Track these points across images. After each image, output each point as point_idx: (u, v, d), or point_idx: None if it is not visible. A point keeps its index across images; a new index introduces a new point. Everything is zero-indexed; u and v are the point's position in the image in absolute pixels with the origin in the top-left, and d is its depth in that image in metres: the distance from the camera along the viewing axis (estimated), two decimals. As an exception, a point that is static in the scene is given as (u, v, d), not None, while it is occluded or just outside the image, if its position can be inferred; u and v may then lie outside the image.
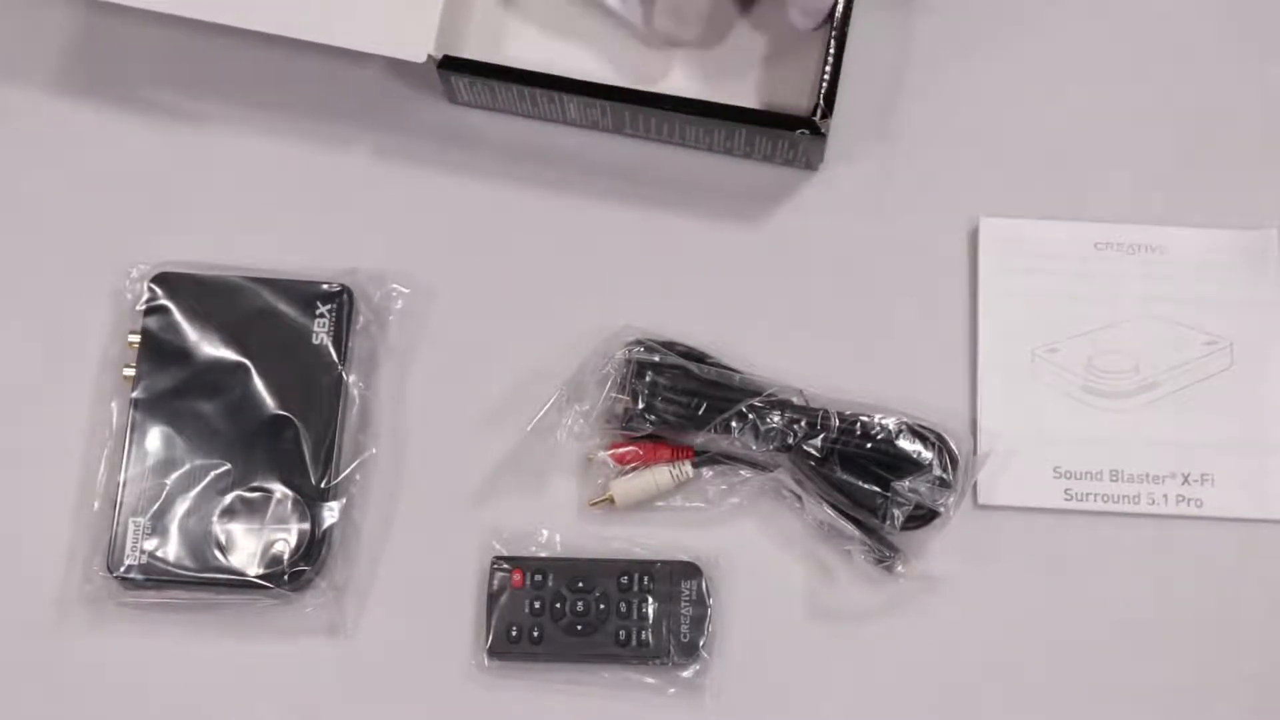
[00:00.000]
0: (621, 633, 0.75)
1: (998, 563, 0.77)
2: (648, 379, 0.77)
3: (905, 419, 0.76)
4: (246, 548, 0.75)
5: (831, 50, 0.77)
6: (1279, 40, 0.86)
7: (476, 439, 0.79)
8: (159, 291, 0.79)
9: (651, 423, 0.76)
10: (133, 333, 0.78)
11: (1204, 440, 0.79)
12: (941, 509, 0.75)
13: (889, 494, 0.74)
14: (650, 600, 0.75)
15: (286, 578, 0.75)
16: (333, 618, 0.76)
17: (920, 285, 0.82)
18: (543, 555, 0.77)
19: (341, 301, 0.79)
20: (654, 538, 0.77)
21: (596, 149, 0.84)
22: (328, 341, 0.78)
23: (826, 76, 0.77)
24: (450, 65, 0.79)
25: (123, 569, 0.75)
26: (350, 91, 0.84)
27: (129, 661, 0.76)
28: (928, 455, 0.75)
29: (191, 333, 0.78)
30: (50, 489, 0.78)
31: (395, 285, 0.81)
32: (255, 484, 0.76)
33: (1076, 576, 0.77)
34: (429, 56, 0.77)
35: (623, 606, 0.75)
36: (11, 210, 0.83)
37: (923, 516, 0.75)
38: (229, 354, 0.77)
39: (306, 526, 0.76)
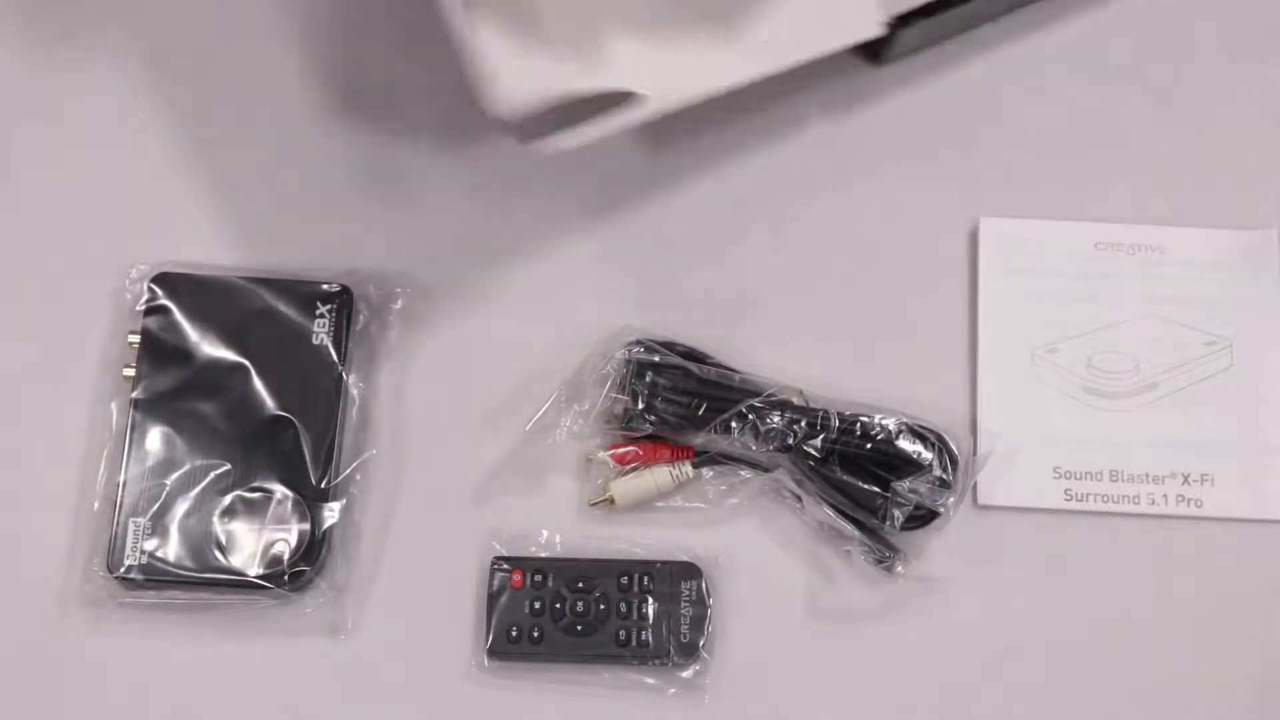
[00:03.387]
0: (621, 633, 0.75)
1: (998, 563, 0.77)
2: (648, 379, 0.77)
3: (905, 419, 0.76)
4: (246, 548, 0.75)
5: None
6: (1279, 40, 0.86)
7: (476, 439, 0.79)
8: (159, 291, 0.79)
9: (651, 423, 0.76)
10: (133, 333, 0.78)
11: (1204, 440, 0.79)
12: (941, 509, 0.75)
13: (889, 494, 0.74)
14: (650, 600, 0.75)
15: (286, 578, 0.75)
16: (333, 618, 0.76)
17: (920, 285, 0.82)
18: (543, 555, 0.77)
19: (341, 301, 0.79)
20: (654, 538, 0.77)
21: (595, 150, 0.84)
22: (328, 341, 0.78)
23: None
24: (905, 20, 0.78)
25: (123, 569, 0.75)
26: (350, 91, 0.84)
27: (129, 661, 0.76)
28: (928, 455, 0.75)
29: (191, 333, 0.78)
30: (50, 489, 0.78)
31: (395, 285, 0.81)
32: (255, 484, 0.76)
33: (1076, 576, 0.77)
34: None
35: (623, 607, 0.75)
36: (11, 210, 0.83)
37: (923, 517, 0.75)
38: (229, 354, 0.77)
39: (306, 527, 0.76)
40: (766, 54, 0.75)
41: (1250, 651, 0.77)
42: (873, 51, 0.82)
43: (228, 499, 0.76)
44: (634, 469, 0.77)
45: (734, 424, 0.76)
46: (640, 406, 0.76)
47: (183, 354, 0.78)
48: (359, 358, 0.80)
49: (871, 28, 0.78)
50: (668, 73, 0.74)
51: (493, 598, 0.76)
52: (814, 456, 0.75)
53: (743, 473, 0.77)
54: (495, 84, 0.70)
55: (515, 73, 0.71)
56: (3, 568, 0.77)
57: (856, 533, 0.75)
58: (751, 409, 0.76)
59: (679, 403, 0.76)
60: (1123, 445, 0.79)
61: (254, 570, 0.75)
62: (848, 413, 0.76)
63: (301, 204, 0.83)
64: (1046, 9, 0.85)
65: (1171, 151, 0.84)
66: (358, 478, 0.78)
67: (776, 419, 0.76)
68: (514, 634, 0.75)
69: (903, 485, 0.74)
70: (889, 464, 0.75)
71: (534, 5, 0.74)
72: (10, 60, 0.85)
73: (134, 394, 0.77)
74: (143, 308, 0.79)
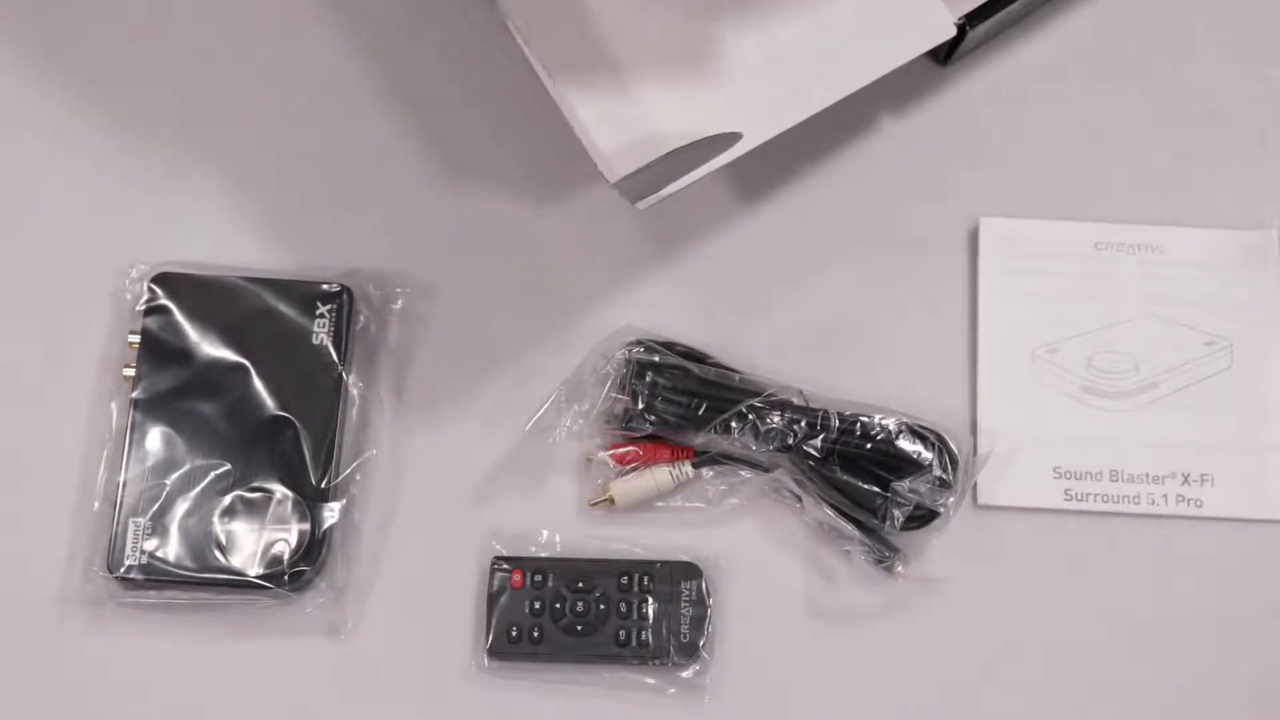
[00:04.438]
0: (621, 633, 0.75)
1: (998, 563, 0.77)
2: (648, 379, 0.77)
3: (905, 419, 0.76)
4: (246, 548, 0.75)
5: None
6: (1279, 42, 0.86)
7: (476, 439, 0.79)
8: (159, 291, 0.79)
9: (651, 423, 0.76)
10: (133, 333, 0.78)
11: (1204, 440, 0.79)
12: (941, 509, 0.75)
13: (889, 494, 0.74)
14: (650, 600, 0.75)
15: (286, 578, 0.75)
16: (333, 618, 0.76)
17: (920, 285, 0.82)
18: (543, 555, 0.77)
19: (341, 301, 0.79)
20: (654, 538, 0.77)
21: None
22: (328, 341, 0.78)
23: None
24: (975, 18, 0.79)
25: (123, 569, 0.75)
26: (351, 91, 0.85)
27: (129, 661, 0.76)
28: (928, 455, 0.75)
29: (191, 333, 0.78)
30: (50, 489, 0.78)
31: (395, 285, 0.81)
32: (255, 484, 0.76)
33: (1076, 576, 0.77)
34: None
35: (623, 606, 0.75)
36: (11, 210, 0.83)
37: (923, 517, 0.75)
38: (229, 354, 0.77)
39: (306, 527, 0.76)
40: (853, 73, 0.76)
41: (1250, 651, 0.77)
42: (939, 53, 0.82)
43: (228, 499, 0.76)
44: (634, 469, 0.77)
45: (734, 424, 0.76)
46: (640, 406, 0.76)
47: (183, 354, 0.78)
48: (359, 358, 0.80)
49: (945, 29, 0.78)
50: (763, 107, 0.75)
51: (493, 598, 0.76)
52: (814, 456, 0.75)
53: (743, 473, 0.77)
54: (603, 154, 0.71)
55: (619, 139, 0.71)
56: (3, 568, 0.77)
57: (856, 533, 0.75)
58: (751, 409, 0.76)
59: (679, 403, 0.76)
60: (1123, 445, 0.79)
61: (254, 570, 0.75)
62: (848, 413, 0.76)
63: (301, 204, 0.83)
64: (1052, 6, 0.85)
65: (1171, 151, 0.84)
66: (358, 478, 0.78)
67: (776, 419, 0.76)
68: (514, 634, 0.75)
69: (903, 485, 0.74)
70: (889, 464, 0.75)
71: (627, 68, 0.74)
72: (11, 60, 0.85)
73: (134, 394, 0.77)
74: (143, 308, 0.79)
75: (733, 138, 0.73)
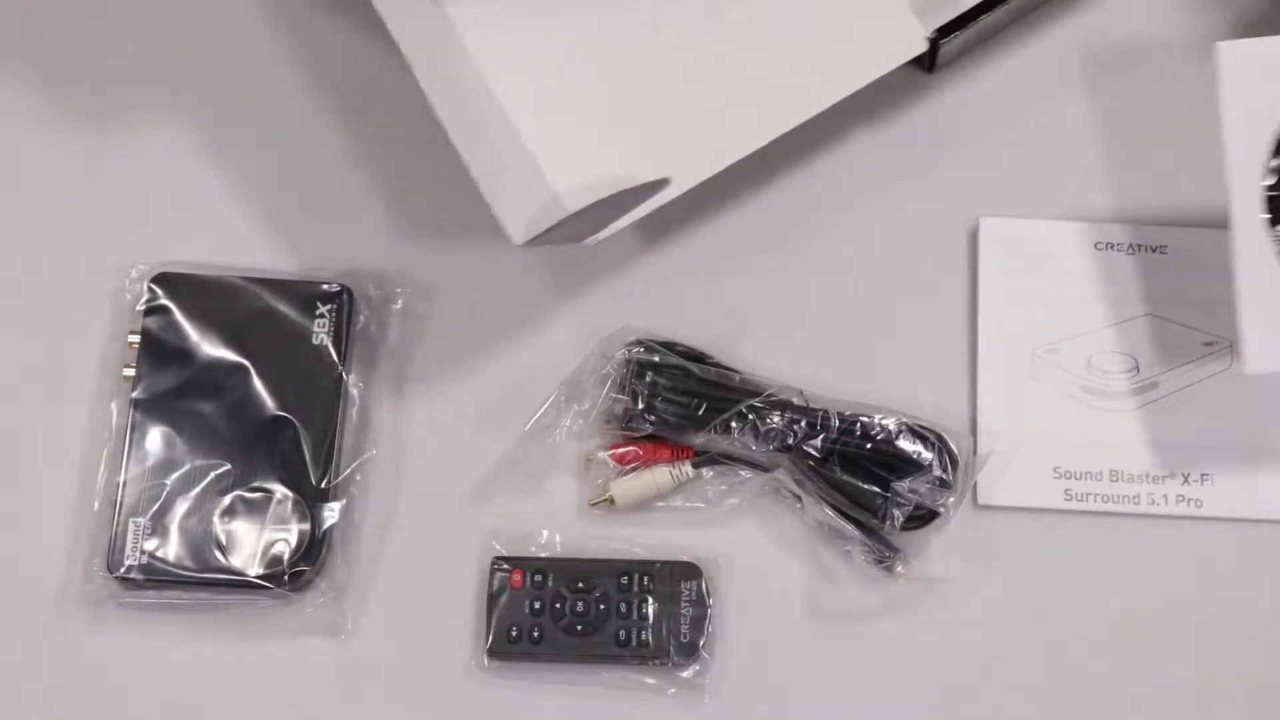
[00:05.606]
0: (621, 633, 0.75)
1: (998, 563, 0.77)
2: (648, 379, 0.77)
3: (905, 419, 0.76)
4: (246, 548, 0.75)
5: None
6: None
7: (476, 439, 0.79)
8: (159, 291, 0.79)
9: (651, 423, 0.76)
10: (133, 333, 0.78)
11: (1204, 440, 0.79)
12: (941, 509, 0.75)
13: (889, 494, 0.74)
14: (650, 600, 0.75)
15: (286, 578, 0.75)
16: (333, 618, 0.76)
17: (920, 285, 0.82)
18: (543, 555, 0.77)
19: (341, 301, 0.79)
20: (654, 538, 0.77)
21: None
22: (328, 341, 0.78)
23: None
24: (946, 31, 0.78)
25: (123, 569, 0.75)
26: (351, 90, 0.85)
27: (129, 661, 0.76)
28: (928, 455, 0.75)
29: (191, 333, 0.78)
30: (50, 489, 0.78)
31: (395, 285, 0.81)
32: (255, 484, 0.76)
33: (1076, 576, 0.77)
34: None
35: (623, 606, 0.75)
36: (11, 210, 0.83)
37: (923, 517, 0.75)
38: (229, 354, 0.77)
39: (306, 527, 0.76)
40: (824, 89, 0.76)
41: (1250, 651, 0.77)
42: (922, 62, 0.82)
43: (228, 499, 0.76)
44: (634, 469, 0.77)
45: (734, 424, 0.76)
46: (640, 406, 0.76)
47: (183, 354, 0.78)
48: (359, 358, 0.80)
49: (916, 45, 0.78)
50: (732, 126, 0.75)
51: (493, 598, 0.76)
52: (814, 456, 0.75)
53: (743, 473, 0.77)
54: (510, 217, 0.71)
55: (531, 199, 0.71)
56: (3, 568, 0.77)
57: (856, 533, 0.75)
58: (751, 409, 0.76)
59: (679, 403, 0.76)
60: (1123, 445, 0.79)
61: (254, 570, 0.75)
62: (848, 413, 0.76)
63: (301, 204, 0.83)
64: (1050, 8, 0.85)
65: (1171, 151, 0.84)
66: (358, 478, 0.78)
67: (776, 419, 0.76)
68: (514, 634, 0.75)
69: (903, 485, 0.74)
70: (889, 464, 0.75)
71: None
72: (10, 59, 0.85)
73: (134, 394, 0.77)
74: (143, 308, 0.79)
75: (660, 184, 0.73)
